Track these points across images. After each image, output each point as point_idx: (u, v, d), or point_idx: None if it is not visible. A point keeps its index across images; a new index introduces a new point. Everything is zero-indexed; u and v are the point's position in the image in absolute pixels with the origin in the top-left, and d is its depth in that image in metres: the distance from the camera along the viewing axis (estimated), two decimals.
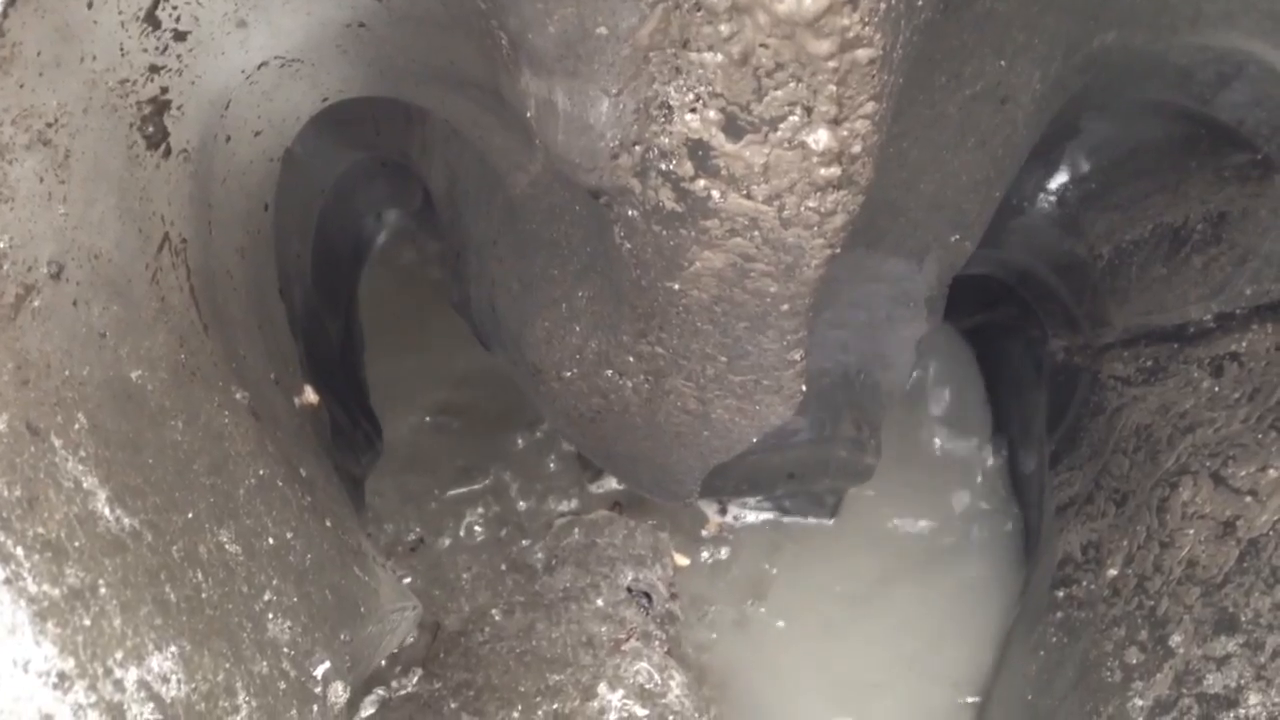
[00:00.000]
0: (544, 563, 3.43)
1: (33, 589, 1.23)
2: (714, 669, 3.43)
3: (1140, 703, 2.50)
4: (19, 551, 1.23)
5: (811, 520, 3.69)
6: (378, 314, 3.96)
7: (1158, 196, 3.02)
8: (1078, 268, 3.32)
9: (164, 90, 1.66)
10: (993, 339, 4.06)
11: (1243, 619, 2.34)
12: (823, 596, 3.59)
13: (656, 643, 3.07)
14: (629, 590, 3.25)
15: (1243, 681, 2.28)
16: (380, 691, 2.94)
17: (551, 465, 3.79)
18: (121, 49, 1.53)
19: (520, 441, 3.85)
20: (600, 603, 3.19)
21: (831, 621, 3.54)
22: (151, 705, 1.35)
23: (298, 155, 2.40)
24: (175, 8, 1.60)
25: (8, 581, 1.20)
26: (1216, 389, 2.76)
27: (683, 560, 3.59)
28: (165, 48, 1.63)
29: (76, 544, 1.32)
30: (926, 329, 2.79)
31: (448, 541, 3.59)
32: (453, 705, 2.87)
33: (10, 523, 1.23)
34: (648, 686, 2.89)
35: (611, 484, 3.73)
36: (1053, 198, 3.25)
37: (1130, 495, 2.90)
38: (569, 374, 2.48)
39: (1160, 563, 2.65)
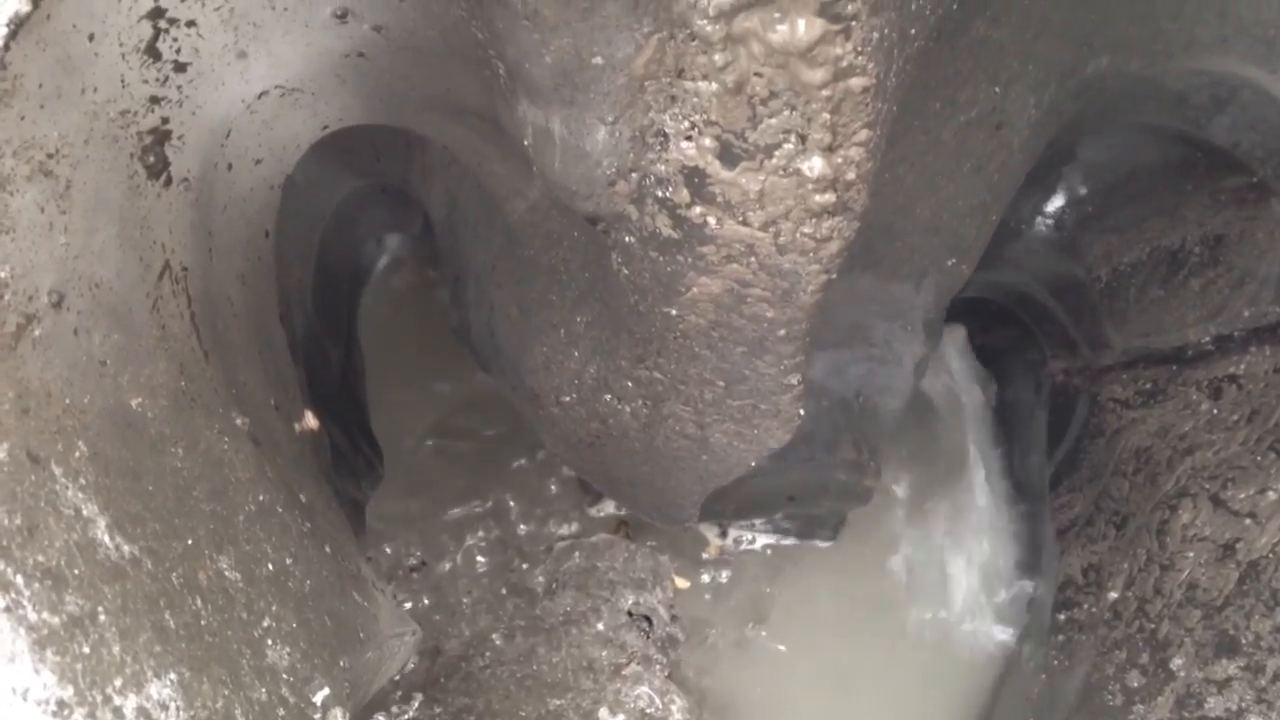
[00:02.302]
0: (544, 586, 3.43)
1: (32, 617, 1.24)
2: (715, 693, 3.42)
3: None
4: (19, 580, 1.24)
5: (812, 543, 3.69)
6: (378, 338, 3.97)
7: (1155, 219, 3.04)
8: (1076, 290, 3.33)
9: (165, 121, 1.67)
10: (992, 361, 4.07)
11: (1243, 642, 2.34)
12: (824, 619, 3.58)
13: (657, 666, 3.07)
14: (629, 614, 3.25)
15: (1244, 704, 2.28)
16: (381, 717, 2.94)
17: (552, 489, 3.79)
18: (122, 80, 1.55)
19: (521, 465, 3.85)
20: (601, 626, 3.19)
21: (833, 644, 3.53)
22: None
23: (298, 182, 2.41)
24: (175, 40, 1.62)
25: (7, 610, 1.21)
26: (1215, 411, 2.76)
27: (683, 583, 3.59)
28: (166, 79, 1.64)
29: (76, 571, 1.33)
30: (924, 352, 2.79)
31: (448, 565, 3.59)
32: None
33: (10, 551, 1.24)
34: (649, 711, 2.89)
35: (611, 508, 3.73)
36: (1050, 221, 3.26)
37: (1130, 518, 2.91)
38: (568, 399, 2.49)
39: (1161, 585, 2.65)
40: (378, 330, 3.99)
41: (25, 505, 1.28)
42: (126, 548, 1.44)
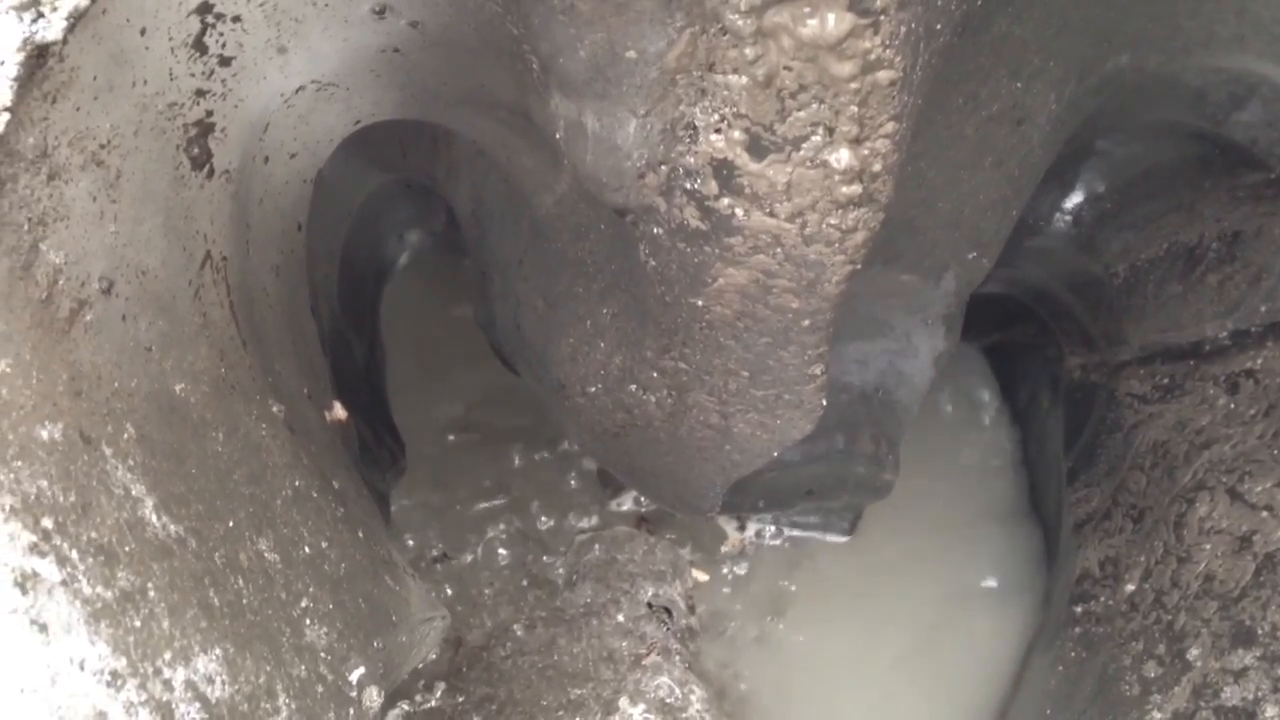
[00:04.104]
0: (565, 578, 3.46)
1: (87, 590, 1.28)
2: (734, 684, 3.45)
3: (1159, 716, 2.51)
4: (74, 554, 1.28)
5: (830, 537, 3.72)
6: (400, 334, 4.01)
7: (1172, 216, 3.06)
8: (1094, 286, 3.35)
9: (209, 114, 1.72)
10: (1010, 358, 4.09)
11: (1260, 632, 2.36)
12: (841, 613, 3.60)
13: (677, 658, 3.10)
14: (649, 606, 3.28)
15: (1260, 694, 2.30)
16: (404, 705, 2.97)
17: (572, 483, 3.82)
18: (170, 74, 1.59)
19: (541, 459, 3.89)
20: (621, 618, 3.22)
21: (850, 638, 3.55)
22: (198, 705, 1.40)
23: (326, 178, 2.45)
24: (221, 35, 1.66)
25: (64, 583, 1.25)
26: (1232, 406, 2.78)
27: (702, 576, 3.62)
28: (211, 73, 1.68)
29: (127, 549, 1.37)
30: (945, 346, 2.82)
31: (470, 558, 3.62)
32: (476, 719, 2.90)
33: (65, 527, 1.28)
34: (668, 701, 2.91)
35: (630, 503, 3.76)
36: (1069, 217, 3.28)
37: (1148, 511, 2.92)
38: (593, 389, 2.52)
39: (1178, 578, 2.67)
40: (399, 325, 4.03)
41: (79, 484, 1.32)
42: (173, 527, 1.49)
